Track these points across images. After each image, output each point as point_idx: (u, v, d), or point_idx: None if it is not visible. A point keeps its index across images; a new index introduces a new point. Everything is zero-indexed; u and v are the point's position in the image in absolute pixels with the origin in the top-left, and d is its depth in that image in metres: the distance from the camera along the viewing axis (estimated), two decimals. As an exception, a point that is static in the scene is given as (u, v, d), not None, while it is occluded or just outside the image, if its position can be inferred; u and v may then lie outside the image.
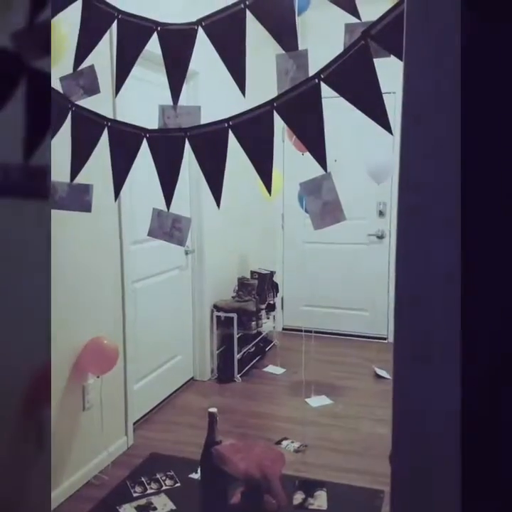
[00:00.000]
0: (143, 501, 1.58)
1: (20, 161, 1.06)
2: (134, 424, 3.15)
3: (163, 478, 1.69)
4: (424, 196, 0.76)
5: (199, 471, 1.63)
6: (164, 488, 1.64)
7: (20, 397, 1.12)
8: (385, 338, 4.85)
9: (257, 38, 1.93)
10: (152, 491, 1.63)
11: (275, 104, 1.42)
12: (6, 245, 1.06)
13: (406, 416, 0.82)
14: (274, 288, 4.70)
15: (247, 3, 1.50)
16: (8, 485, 1.13)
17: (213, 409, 1.51)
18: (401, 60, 1.10)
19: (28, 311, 1.10)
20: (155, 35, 1.64)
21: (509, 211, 0.70)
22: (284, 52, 1.47)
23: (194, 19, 1.59)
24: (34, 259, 1.09)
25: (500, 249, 0.71)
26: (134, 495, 1.61)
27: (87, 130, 1.74)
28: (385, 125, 1.34)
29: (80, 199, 1.87)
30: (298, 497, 1.59)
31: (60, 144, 1.78)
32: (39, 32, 1.07)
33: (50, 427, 2.30)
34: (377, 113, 1.32)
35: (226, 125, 1.50)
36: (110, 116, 2.03)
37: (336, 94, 1.36)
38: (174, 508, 1.55)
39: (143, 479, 1.68)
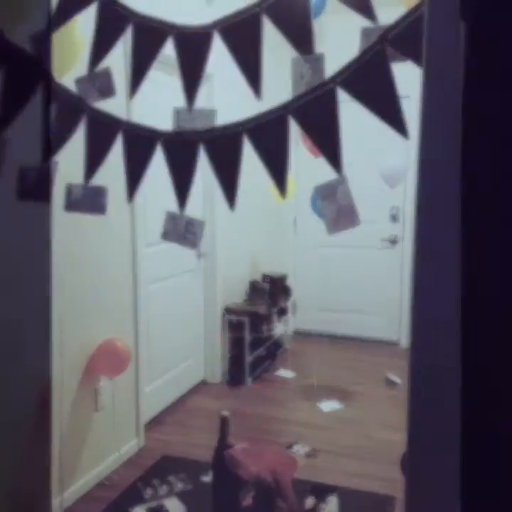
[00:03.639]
0: (154, 504, 1.58)
1: (25, 163, 1.06)
2: (146, 425, 3.16)
3: (175, 480, 1.69)
4: (443, 202, 0.75)
5: (211, 474, 1.62)
6: (175, 490, 1.64)
7: (22, 404, 1.13)
8: (397, 343, 4.82)
9: (273, 42, 1.93)
10: (163, 493, 1.63)
11: (290, 108, 1.42)
12: (7, 246, 1.07)
13: (421, 423, 0.82)
14: (286, 291, 4.69)
15: (263, 6, 1.50)
16: (13, 484, 1.13)
17: (225, 413, 1.51)
18: (418, 64, 1.09)
19: (29, 315, 1.10)
20: (171, 39, 1.65)
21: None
22: (299, 56, 1.47)
23: (210, 21, 1.59)
24: (35, 261, 1.09)
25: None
26: (145, 497, 1.61)
27: (102, 132, 1.75)
28: (402, 130, 1.33)
29: (94, 201, 1.88)
30: (309, 502, 1.58)
31: (75, 146, 1.79)
32: (48, 37, 1.08)
33: (51, 429, 2.31)
34: (394, 118, 1.31)
35: (240, 128, 1.50)
36: (125, 118, 2.04)
37: (351, 98, 1.35)
38: (185, 510, 1.55)
39: (154, 481, 1.69)
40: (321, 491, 1.64)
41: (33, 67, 1.02)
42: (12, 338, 1.09)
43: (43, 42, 1.06)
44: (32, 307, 1.11)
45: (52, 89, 1.06)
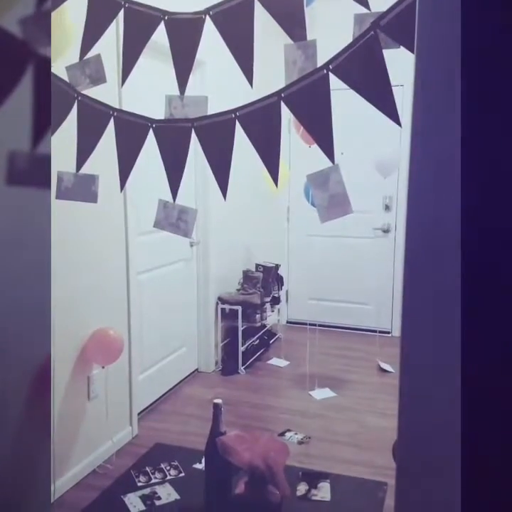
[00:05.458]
0: (147, 491, 1.59)
1: (21, 149, 1.05)
2: (139, 414, 3.17)
3: (168, 468, 1.70)
4: (434, 190, 0.75)
5: (203, 461, 1.63)
6: (168, 478, 1.65)
7: (21, 389, 1.12)
8: (389, 332, 4.84)
9: (265, 28, 1.92)
10: (156, 480, 1.64)
11: (283, 95, 1.41)
12: (6, 235, 1.06)
13: (412, 410, 0.82)
14: (279, 281, 4.70)
15: (256, -8, 1.49)
16: (11, 476, 1.13)
17: (218, 400, 1.51)
18: (410, 51, 1.09)
19: (28, 302, 1.10)
20: (162, 25, 1.63)
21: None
22: (292, 42, 1.46)
23: (202, 8, 1.58)
24: (34, 249, 1.09)
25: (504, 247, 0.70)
26: (139, 484, 1.62)
27: (93, 120, 1.73)
28: (394, 117, 1.32)
29: (85, 189, 1.87)
30: (301, 488, 1.60)
31: (66, 134, 1.78)
32: (43, 19, 1.06)
33: (50, 418, 2.31)
34: (386, 105, 1.30)
35: (233, 116, 1.49)
36: (116, 106, 2.02)
37: (343, 86, 1.35)
38: (178, 497, 1.56)
39: (147, 469, 1.69)
40: (313, 478, 1.65)
41: (21, 52, 1.01)
42: (10, 321, 1.09)
43: (39, 25, 1.04)
44: (32, 294, 1.10)
45: (45, 73, 1.05)
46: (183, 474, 1.67)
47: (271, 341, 4.61)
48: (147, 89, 3.01)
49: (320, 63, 1.39)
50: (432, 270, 0.78)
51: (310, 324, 4.12)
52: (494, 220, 0.71)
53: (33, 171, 1.07)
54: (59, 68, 1.77)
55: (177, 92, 1.64)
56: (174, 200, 1.68)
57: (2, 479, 1.12)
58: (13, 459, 1.13)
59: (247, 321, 4.15)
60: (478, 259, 0.71)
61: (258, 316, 4.20)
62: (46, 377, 1.16)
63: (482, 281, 0.72)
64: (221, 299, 4.08)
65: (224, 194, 1.55)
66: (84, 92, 1.77)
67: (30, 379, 1.13)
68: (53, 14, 1.71)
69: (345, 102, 2.11)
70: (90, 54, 1.76)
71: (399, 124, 1.34)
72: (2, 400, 1.10)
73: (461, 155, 0.71)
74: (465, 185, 0.71)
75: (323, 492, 1.58)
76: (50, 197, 1.14)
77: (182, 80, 1.64)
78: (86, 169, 1.82)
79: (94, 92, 1.78)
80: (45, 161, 1.09)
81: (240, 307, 4.04)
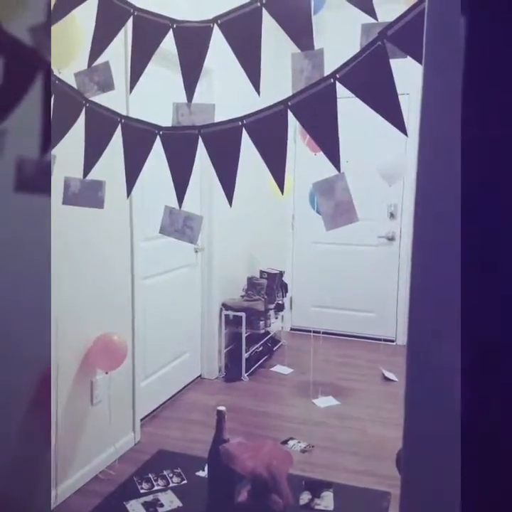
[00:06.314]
0: (149, 498, 1.58)
1: (23, 156, 1.06)
2: (142, 420, 3.16)
3: (170, 475, 1.69)
4: (442, 198, 0.75)
5: (206, 468, 1.63)
6: (171, 485, 1.65)
7: (22, 394, 1.12)
8: (393, 341, 4.83)
9: (273, 37, 1.93)
10: (159, 487, 1.63)
11: (289, 104, 1.42)
12: (6, 240, 1.06)
13: (417, 421, 0.82)
14: (283, 288, 4.69)
15: (264, 1, 1.50)
16: (11, 481, 1.13)
17: (222, 408, 1.51)
18: (418, 61, 1.09)
19: (28, 307, 1.10)
20: (170, 33, 1.64)
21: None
22: (299, 51, 1.47)
23: (210, 17, 1.59)
24: (34, 254, 1.09)
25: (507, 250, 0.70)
26: (141, 491, 1.62)
27: (101, 126, 1.74)
28: (400, 126, 1.33)
29: (92, 195, 1.88)
30: (304, 497, 1.59)
31: (73, 140, 1.79)
32: (45, 28, 1.07)
33: (51, 423, 2.31)
34: (393, 114, 1.31)
35: (240, 123, 1.50)
36: (124, 112, 2.03)
37: (349, 93, 1.35)
38: (181, 505, 1.55)
39: (150, 476, 1.69)
40: (317, 487, 1.65)
41: (31, 59, 1.02)
42: (11, 325, 1.09)
43: (42, 33, 1.05)
44: (31, 297, 1.11)
45: (51, 82, 1.06)
46: (185, 481, 1.67)
47: (274, 348, 4.61)
48: (155, 96, 3.03)
49: (327, 72, 1.39)
50: (438, 279, 0.78)
51: (314, 331, 4.11)
52: (501, 228, 0.71)
53: (34, 177, 1.08)
54: (67, 75, 1.79)
55: (185, 100, 1.65)
56: (180, 207, 1.69)
57: (3, 484, 1.12)
58: (13, 464, 1.13)
59: (251, 327, 4.15)
60: (483, 267, 0.71)
61: (262, 322, 4.20)
62: (47, 382, 1.16)
63: (487, 290, 0.72)
64: (225, 305, 4.08)
65: (230, 201, 1.56)
66: (93, 98, 1.78)
67: (31, 384, 1.13)
68: (62, 21, 1.73)
69: (351, 110, 2.12)
70: (99, 61, 1.77)
71: (405, 133, 1.34)
72: (2, 405, 1.10)
73: (468, 163, 0.71)
74: (473, 193, 0.72)
75: (327, 501, 1.58)
76: (50, 202, 1.14)
77: (190, 87, 1.65)
78: (93, 175, 1.83)
79: (102, 99, 1.79)
80: (46, 166, 1.09)
81: (243, 314, 4.04)
